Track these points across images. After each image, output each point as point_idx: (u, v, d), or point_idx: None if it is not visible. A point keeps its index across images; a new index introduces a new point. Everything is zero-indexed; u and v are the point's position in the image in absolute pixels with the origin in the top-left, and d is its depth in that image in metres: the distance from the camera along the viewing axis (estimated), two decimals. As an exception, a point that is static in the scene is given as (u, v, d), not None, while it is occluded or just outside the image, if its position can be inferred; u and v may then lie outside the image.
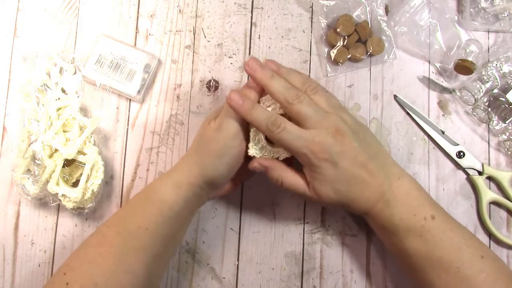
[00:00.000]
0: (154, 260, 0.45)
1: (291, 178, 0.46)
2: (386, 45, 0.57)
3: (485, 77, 0.56)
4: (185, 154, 0.51)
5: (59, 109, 0.53)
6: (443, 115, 0.58)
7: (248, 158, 0.47)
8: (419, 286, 0.46)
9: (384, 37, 0.57)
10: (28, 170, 0.52)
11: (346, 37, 0.57)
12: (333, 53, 0.57)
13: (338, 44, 0.57)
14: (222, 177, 0.47)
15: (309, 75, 0.58)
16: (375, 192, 0.45)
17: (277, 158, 0.47)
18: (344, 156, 0.43)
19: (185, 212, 0.48)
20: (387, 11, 0.58)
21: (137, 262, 0.44)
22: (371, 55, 0.58)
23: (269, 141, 0.47)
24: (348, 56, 0.57)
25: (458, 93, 0.57)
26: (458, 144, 0.56)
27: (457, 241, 0.45)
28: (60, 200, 0.51)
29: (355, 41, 0.57)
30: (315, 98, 0.45)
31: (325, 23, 0.58)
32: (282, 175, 0.46)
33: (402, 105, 0.57)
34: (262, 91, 0.46)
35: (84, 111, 0.55)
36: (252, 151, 0.46)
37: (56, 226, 0.54)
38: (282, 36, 0.58)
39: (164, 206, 0.46)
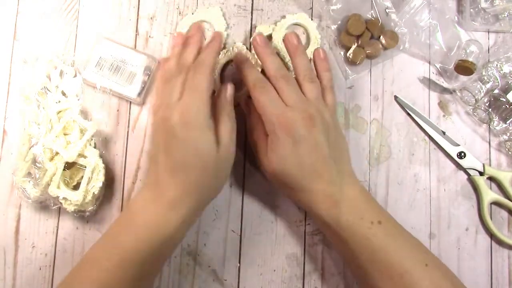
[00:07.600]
0: None
1: (260, 133, 0.48)
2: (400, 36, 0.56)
3: (485, 78, 0.56)
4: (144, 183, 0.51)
5: (60, 112, 0.53)
6: (444, 115, 0.58)
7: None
8: None
9: (396, 28, 0.57)
10: (29, 173, 0.52)
11: (359, 36, 0.57)
12: (350, 55, 0.57)
13: (353, 45, 0.56)
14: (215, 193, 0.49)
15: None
16: (324, 189, 0.45)
17: None
18: (305, 141, 0.44)
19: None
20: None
21: None
22: (386, 49, 0.57)
23: None
24: (366, 53, 0.56)
25: (458, 94, 0.57)
26: (459, 145, 0.56)
27: (401, 247, 0.44)
28: (61, 203, 0.51)
29: (368, 38, 0.57)
30: (306, 86, 0.48)
31: (335, 27, 0.58)
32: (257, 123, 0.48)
33: (402, 106, 0.57)
34: None
35: (84, 114, 0.55)
36: None
37: (57, 229, 0.54)
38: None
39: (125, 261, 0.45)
